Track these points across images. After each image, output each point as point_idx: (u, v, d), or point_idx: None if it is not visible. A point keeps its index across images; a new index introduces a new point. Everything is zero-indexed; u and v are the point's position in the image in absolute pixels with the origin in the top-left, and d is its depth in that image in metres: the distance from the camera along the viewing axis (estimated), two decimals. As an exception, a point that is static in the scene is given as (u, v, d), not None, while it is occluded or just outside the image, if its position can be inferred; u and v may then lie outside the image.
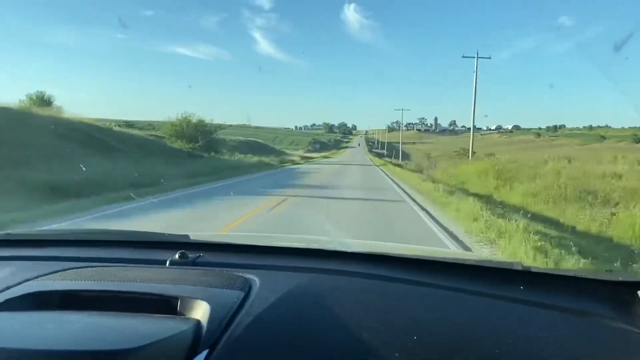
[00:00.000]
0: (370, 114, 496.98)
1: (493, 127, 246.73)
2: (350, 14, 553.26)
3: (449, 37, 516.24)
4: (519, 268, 1.16)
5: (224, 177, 18.71)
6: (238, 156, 35.60)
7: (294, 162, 38.27)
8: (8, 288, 1.05)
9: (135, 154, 22.35)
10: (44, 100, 36.61)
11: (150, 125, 63.29)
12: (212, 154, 32.79)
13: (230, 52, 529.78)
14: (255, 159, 35.44)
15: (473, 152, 42.67)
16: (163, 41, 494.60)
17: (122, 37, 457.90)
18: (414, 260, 1.30)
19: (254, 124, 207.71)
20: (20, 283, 1.08)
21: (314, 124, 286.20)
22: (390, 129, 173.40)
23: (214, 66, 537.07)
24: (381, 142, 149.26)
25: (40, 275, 1.13)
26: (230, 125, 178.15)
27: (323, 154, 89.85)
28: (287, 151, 69.42)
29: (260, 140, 67.60)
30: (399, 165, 37.21)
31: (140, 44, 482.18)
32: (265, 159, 36.37)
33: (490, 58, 32.38)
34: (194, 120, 33.47)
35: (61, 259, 1.31)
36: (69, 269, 1.19)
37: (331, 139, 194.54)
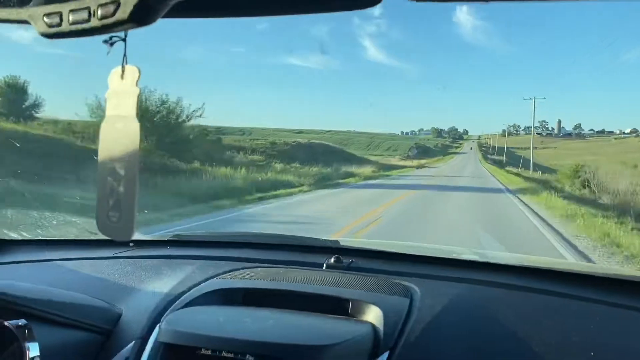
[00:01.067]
0: (483, 118, 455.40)
1: (627, 131, 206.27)
2: (463, 16, 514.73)
3: (570, 36, 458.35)
4: None
5: None
6: (252, 171, 20.13)
7: (341, 181, 21.30)
8: (195, 285, 1.14)
9: None
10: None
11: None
12: (197, 163, 17.93)
13: (340, 60, 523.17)
14: (284, 176, 19.86)
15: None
16: (276, 52, 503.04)
17: (239, 50, 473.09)
18: (575, 275, 1.23)
19: (357, 129, 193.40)
20: (205, 280, 1.16)
21: (421, 129, 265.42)
22: (508, 134, 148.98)
23: (323, 74, 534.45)
24: (497, 147, 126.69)
25: (219, 274, 1.20)
26: (330, 131, 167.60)
27: (423, 161, 71.55)
28: (371, 158, 52.89)
29: (329, 143, 51.75)
30: (559, 191, 17.38)
31: (257, 57, 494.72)
32: (290, 177, 20.46)
33: None
34: (149, 104, 18.56)
35: (230, 259, 1.36)
36: (242, 268, 1.24)
37: (438, 143, 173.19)
